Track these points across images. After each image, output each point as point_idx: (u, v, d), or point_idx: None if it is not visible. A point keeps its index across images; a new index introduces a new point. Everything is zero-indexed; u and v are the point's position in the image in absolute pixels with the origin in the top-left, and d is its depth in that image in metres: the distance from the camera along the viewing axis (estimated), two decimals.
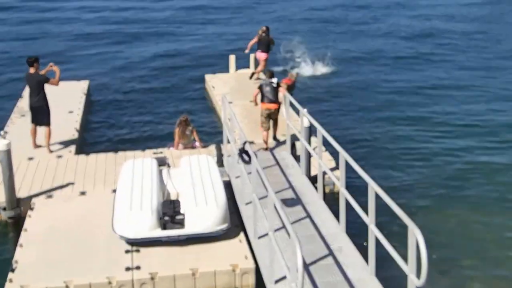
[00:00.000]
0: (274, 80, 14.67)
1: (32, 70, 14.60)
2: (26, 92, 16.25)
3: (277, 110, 14.55)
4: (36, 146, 15.00)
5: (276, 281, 8.73)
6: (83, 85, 20.23)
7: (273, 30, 21.81)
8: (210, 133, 17.22)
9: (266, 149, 14.39)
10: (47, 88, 14.77)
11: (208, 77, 21.42)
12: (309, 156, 12.65)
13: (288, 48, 25.53)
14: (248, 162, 11.31)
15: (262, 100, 14.55)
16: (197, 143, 15.08)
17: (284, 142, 14.45)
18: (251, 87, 20.04)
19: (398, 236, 9.32)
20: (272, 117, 14.50)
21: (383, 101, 20.35)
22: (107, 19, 34.12)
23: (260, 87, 14.64)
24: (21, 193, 12.62)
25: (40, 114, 14.80)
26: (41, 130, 14.92)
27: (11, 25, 32.64)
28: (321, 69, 23.90)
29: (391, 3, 37.58)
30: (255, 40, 20.72)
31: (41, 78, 14.59)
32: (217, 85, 20.26)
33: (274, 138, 15.02)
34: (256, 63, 21.65)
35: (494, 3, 37.86)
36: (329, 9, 36.18)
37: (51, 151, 14.80)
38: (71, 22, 33.41)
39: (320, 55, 24.90)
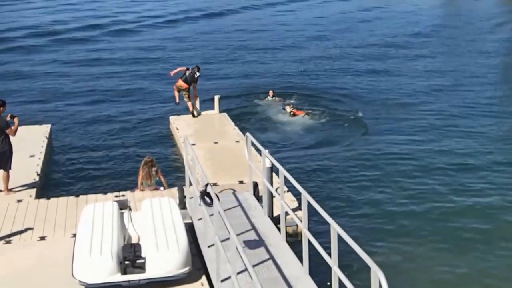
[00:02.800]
0: (198, 73, 20.76)
1: None
2: None
3: (188, 89, 20.79)
4: None
5: None
6: (45, 128, 19.73)
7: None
8: (174, 174, 16.90)
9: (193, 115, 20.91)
10: None
11: (173, 119, 21.18)
12: (271, 196, 12.40)
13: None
14: (210, 205, 11.01)
15: (180, 77, 20.76)
16: (162, 187, 14.78)
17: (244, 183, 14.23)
18: (215, 129, 19.92)
19: (362, 278, 9.06)
20: (183, 92, 20.80)
21: (346, 140, 20.28)
22: (70, 62, 33.81)
23: (187, 70, 20.76)
24: None
25: (3, 159, 14.36)
26: (1, 173, 14.46)
27: None
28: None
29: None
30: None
31: (2, 123, 14.17)
32: (181, 127, 20.00)
33: (194, 115, 20.89)
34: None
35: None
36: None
37: (8, 192, 14.38)
38: (32, 65, 33.03)
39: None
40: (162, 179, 14.92)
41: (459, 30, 42.31)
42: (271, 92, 25.14)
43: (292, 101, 24.35)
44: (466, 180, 16.73)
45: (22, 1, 57.95)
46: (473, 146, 19.37)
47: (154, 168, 14.77)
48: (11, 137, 14.44)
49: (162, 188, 14.76)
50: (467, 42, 37.95)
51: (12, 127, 14.30)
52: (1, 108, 14.20)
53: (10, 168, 14.39)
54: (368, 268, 7.16)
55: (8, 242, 12.03)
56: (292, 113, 22.66)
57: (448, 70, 30.84)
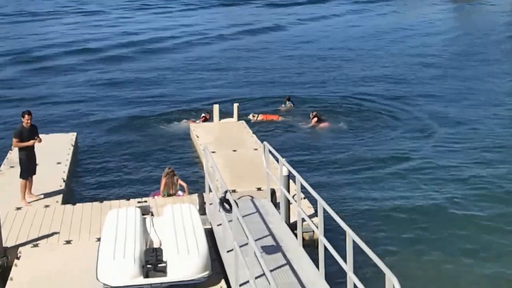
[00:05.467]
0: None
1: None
2: None
3: None
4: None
5: None
6: (71, 137, 19.85)
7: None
8: (194, 181, 16.87)
9: None
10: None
11: (193, 126, 21.24)
12: (288, 203, 12.36)
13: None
14: (229, 211, 11.02)
15: None
16: (180, 192, 14.80)
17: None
18: (233, 137, 19.91)
19: (376, 284, 8.98)
20: None
21: (361, 149, 20.16)
22: (94, 72, 34.03)
23: None
24: (8, 242, 12.14)
25: (20, 166, 14.44)
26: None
27: None
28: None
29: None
30: None
31: (15, 132, 14.28)
32: (201, 135, 20.03)
33: None
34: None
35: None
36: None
37: (34, 199, 14.44)
38: (60, 78, 33.26)
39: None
40: (184, 184, 14.95)
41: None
42: (286, 99, 25.28)
43: (309, 107, 24.45)
44: (487, 188, 16.53)
45: (53, 18, 58.60)
46: (492, 158, 19.11)
47: (175, 177, 14.83)
48: (37, 146, 14.51)
49: (181, 193, 14.79)
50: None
51: (16, 140, 14.17)
52: (23, 118, 14.20)
53: (24, 178, 14.27)
54: (382, 274, 7.11)
55: (36, 245, 12.10)
56: (258, 119, 23.21)
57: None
